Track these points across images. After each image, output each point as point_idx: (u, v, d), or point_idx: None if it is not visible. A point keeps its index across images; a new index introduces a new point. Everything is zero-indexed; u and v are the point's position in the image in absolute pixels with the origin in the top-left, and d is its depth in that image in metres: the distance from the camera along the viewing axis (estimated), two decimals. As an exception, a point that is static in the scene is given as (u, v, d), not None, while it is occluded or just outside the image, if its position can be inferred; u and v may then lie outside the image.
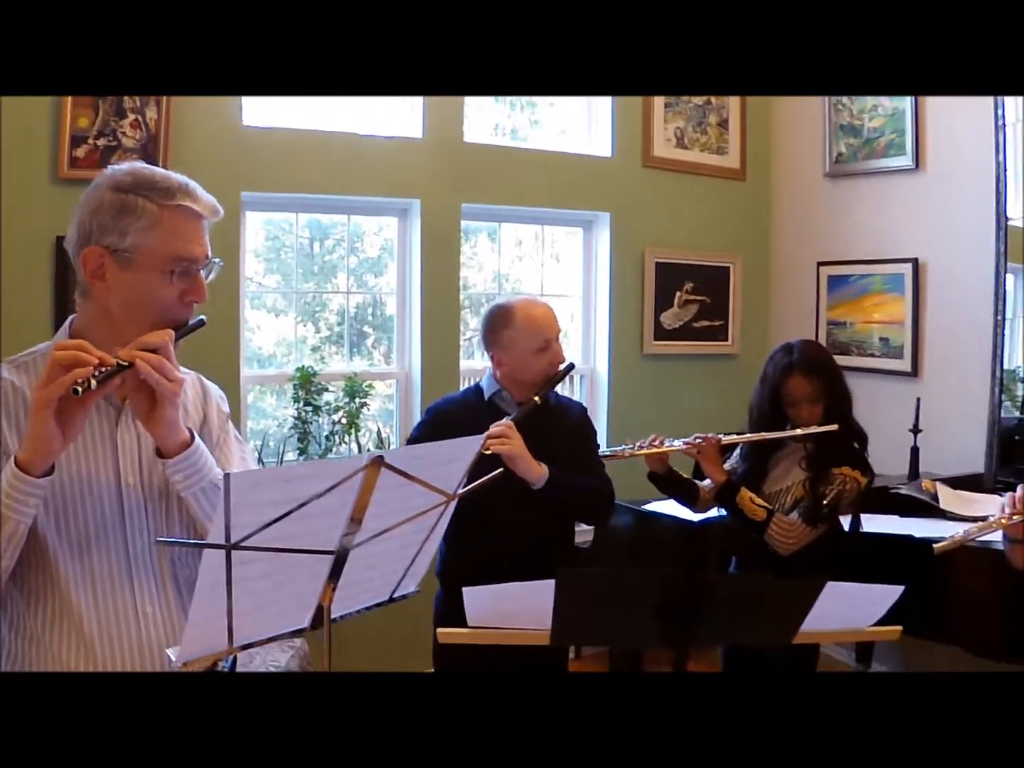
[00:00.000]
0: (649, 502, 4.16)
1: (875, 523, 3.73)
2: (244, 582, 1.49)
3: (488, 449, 2.69)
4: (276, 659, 3.63)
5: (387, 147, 4.67)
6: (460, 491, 1.68)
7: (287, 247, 4.96)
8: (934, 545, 2.53)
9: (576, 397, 5.43)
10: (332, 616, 1.62)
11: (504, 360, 3.00)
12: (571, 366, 3.10)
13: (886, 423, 4.73)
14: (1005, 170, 4.63)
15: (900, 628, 2.32)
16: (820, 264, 5.56)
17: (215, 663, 1.69)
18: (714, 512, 3.45)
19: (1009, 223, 4.66)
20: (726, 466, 3.28)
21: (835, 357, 5.33)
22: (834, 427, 3.10)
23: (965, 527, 2.53)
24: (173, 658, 1.53)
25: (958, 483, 4.31)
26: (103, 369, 1.56)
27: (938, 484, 4.07)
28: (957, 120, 4.85)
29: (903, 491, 4.04)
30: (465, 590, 1.99)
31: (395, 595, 1.80)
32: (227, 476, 1.36)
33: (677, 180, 5.54)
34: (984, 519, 2.71)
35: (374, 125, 4.72)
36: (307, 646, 3.79)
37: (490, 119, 5.27)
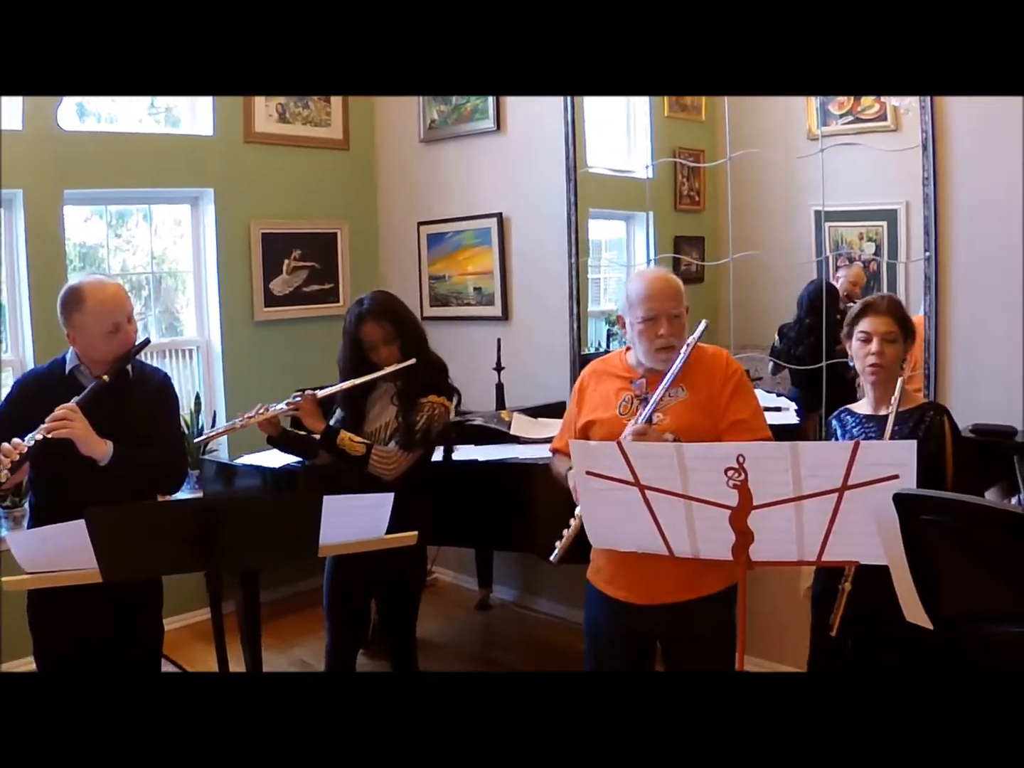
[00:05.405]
0: (242, 456, 4.35)
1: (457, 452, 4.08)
2: None
3: (50, 433, 2.77)
4: None
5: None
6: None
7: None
8: (551, 559, 2.75)
9: (193, 370, 5.61)
10: None
11: (76, 340, 3.03)
12: (146, 342, 3.16)
13: (484, 365, 5.15)
14: (573, 127, 5.09)
15: (415, 533, 2.65)
16: (420, 224, 5.93)
17: None
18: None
19: (629, 174, 5.19)
20: (335, 418, 3.53)
21: (437, 308, 5.82)
22: (412, 361, 3.40)
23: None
24: None
25: (543, 411, 4.77)
26: None
27: (514, 414, 4.50)
28: (530, 84, 5.25)
29: (477, 422, 4.45)
30: (8, 536, 2.13)
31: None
32: None
33: (280, 153, 5.75)
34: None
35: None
36: None
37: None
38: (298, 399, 3.41)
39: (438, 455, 3.71)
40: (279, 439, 3.49)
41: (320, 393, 3.44)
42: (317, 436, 3.43)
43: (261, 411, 3.40)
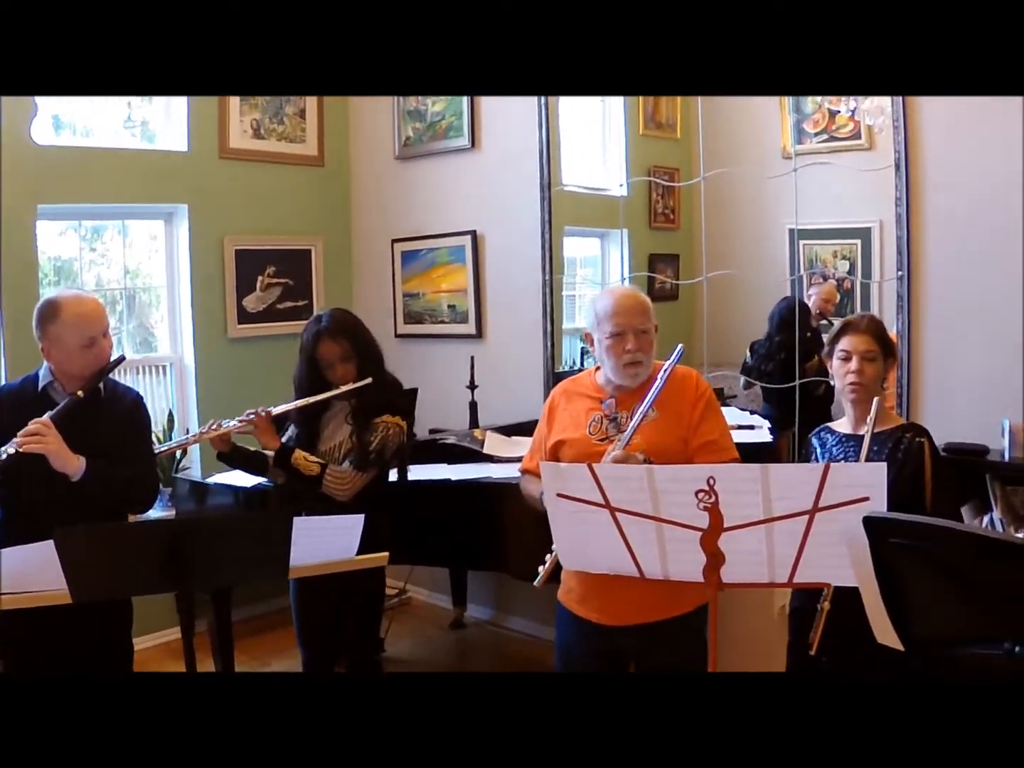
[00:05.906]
0: (213, 474, 4.32)
1: (426, 471, 4.08)
2: None
3: (22, 447, 2.73)
4: None
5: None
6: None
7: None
8: (535, 583, 2.74)
9: (166, 386, 5.56)
10: None
11: (52, 353, 2.99)
12: (120, 359, 3.12)
13: (457, 382, 5.14)
14: (548, 145, 5.09)
15: (387, 554, 2.64)
16: (394, 241, 5.91)
17: None
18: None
19: (604, 192, 5.21)
20: (288, 436, 3.51)
21: (410, 326, 5.80)
22: (368, 380, 3.38)
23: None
24: None
25: (516, 430, 4.73)
26: None
27: (488, 432, 4.48)
28: (505, 102, 5.27)
29: (449, 441, 4.43)
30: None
31: None
32: None
33: (255, 169, 5.72)
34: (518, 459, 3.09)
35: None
36: None
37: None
38: (251, 416, 3.39)
39: (394, 475, 3.70)
40: (230, 456, 3.47)
41: (275, 410, 3.43)
42: (270, 453, 3.41)
43: (213, 427, 3.39)
